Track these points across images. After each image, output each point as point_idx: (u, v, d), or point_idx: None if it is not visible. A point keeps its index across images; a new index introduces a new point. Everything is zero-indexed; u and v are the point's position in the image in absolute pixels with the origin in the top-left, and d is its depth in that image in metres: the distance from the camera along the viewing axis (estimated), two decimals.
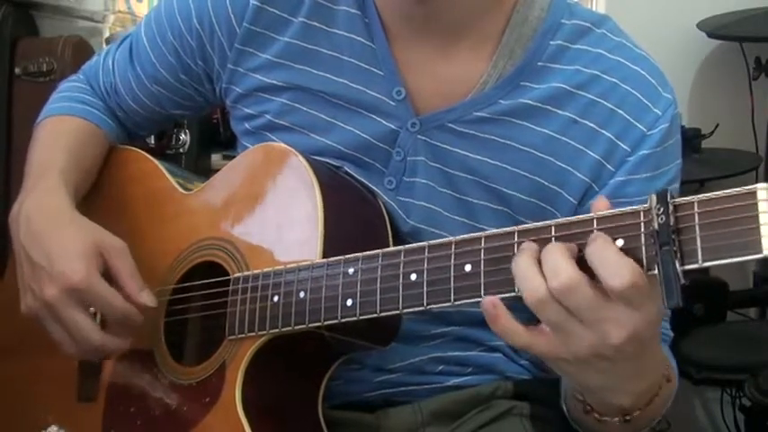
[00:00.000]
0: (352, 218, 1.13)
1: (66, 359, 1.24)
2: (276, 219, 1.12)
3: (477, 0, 1.13)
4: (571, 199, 1.14)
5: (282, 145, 1.16)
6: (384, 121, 1.17)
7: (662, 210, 0.82)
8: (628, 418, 0.98)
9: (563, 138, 1.13)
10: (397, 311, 0.98)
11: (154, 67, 1.31)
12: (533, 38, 1.13)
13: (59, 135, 1.32)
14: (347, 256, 1.03)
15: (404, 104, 1.16)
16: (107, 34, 2.27)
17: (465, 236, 0.94)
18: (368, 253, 1.01)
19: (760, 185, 0.78)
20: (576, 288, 0.84)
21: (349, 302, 1.01)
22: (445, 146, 1.15)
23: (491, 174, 1.15)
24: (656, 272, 0.82)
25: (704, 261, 0.80)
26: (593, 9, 2.15)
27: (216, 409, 1.10)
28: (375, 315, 0.99)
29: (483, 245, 0.92)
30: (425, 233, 1.15)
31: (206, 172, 1.87)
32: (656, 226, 0.82)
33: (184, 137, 2.10)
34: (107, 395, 1.24)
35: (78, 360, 1.26)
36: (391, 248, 1.01)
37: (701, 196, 0.81)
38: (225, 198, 1.20)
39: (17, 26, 2.14)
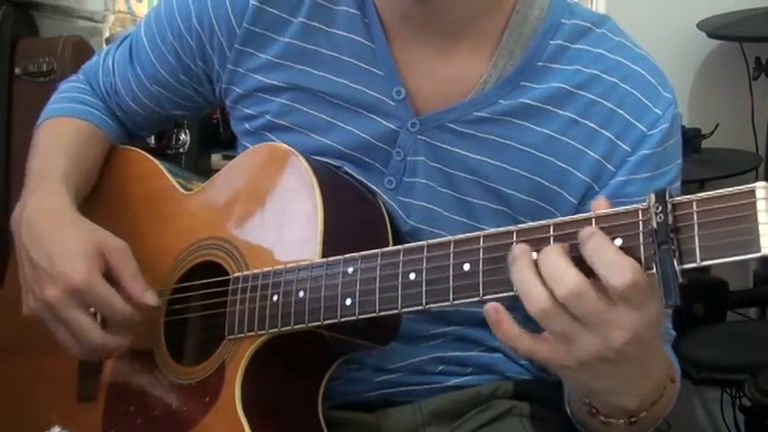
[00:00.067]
0: (352, 218, 1.13)
1: (67, 359, 1.24)
2: (276, 219, 1.12)
3: (477, 0, 1.13)
4: (571, 199, 1.14)
5: (282, 145, 1.16)
6: (384, 122, 1.17)
7: (660, 209, 0.82)
8: (633, 419, 0.97)
9: (563, 138, 1.13)
10: (396, 311, 0.98)
11: (154, 67, 1.31)
12: (533, 38, 1.13)
13: (60, 137, 1.32)
14: (346, 255, 1.03)
15: (404, 104, 1.16)
16: (107, 34, 2.27)
17: (464, 235, 0.94)
18: (367, 252, 1.01)
19: (758, 184, 0.78)
20: (583, 294, 0.84)
21: (348, 302, 1.01)
22: (445, 146, 1.15)
23: (491, 174, 1.15)
24: (654, 271, 0.82)
25: (703, 260, 0.80)
26: (593, 9, 2.15)
27: (215, 408, 1.10)
28: (374, 314, 1.00)
29: (481, 244, 0.92)
30: (425, 233, 1.15)
31: (206, 172, 1.87)
32: (654, 225, 0.82)
33: (184, 137, 2.10)
34: (107, 395, 1.24)
35: (79, 360, 1.26)
36: (390, 248, 1.01)
37: (699, 195, 0.81)
38: (225, 198, 1.20)
39: (17, 26, 2.14)
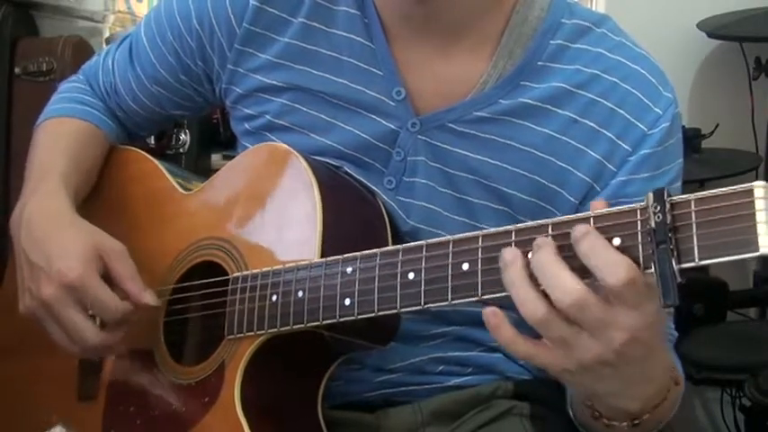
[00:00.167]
0: (352, 218, 1.13)
1: (67, 359, 1.24)
2: (275, 219, 1.12)
3: (477, 0, 1.13)
4: (572, 199, 1.14)
5: (282, 145, 1.16)
6: (384, 122, 1.17)
7: (659, 208, 0.82)
8: (636, 422, 0.97)
9: (563, 137, 1.13)
10: (395, 310, 0.98)
11: (153, 67, 1.31)
12: (533, 37, 1.13)
13: (59, 137, 1.32)
14: (345, 255, 1.03)
15: (404, 104, 1.16)
16: (107, 34, 2.27)
17: (462, 235, 0.94)
18: (366, 252, 1.01)
19: (756, 183, 0.78)
20: (585, 302, 0.84)
21: (347, 302, 1.01)
22: (445, 146, 1.15)
23: (491, 173, 1.14)
24: (653, 270, 0.82)
25: (701, 259, 0.80)
26: (593, 9, 2.15)
27: (215, 408, 1.10)
28: (373, 314, 0.99)
29: (480, 244, 0.92)
30: (425, 233, 1.15)
31: (206, 172, 1.87)
32: (652, 224, 0.82)
33: (184, 137, 2.10)
34: (107, 395, 1.24)
35: (78, 359, 1.26)
36: (389, 248, 1.01)
37: (697, 194, 0.81)
38: (224, 198, 1.20)
39: (17, 26, 2.14)
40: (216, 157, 2.17)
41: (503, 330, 0.89)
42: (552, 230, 0.88)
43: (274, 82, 1.21)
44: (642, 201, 0.84)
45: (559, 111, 1.13)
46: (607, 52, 1.14)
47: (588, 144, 1.12)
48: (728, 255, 0.79)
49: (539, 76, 1.13)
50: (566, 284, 0.84)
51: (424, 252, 0.96)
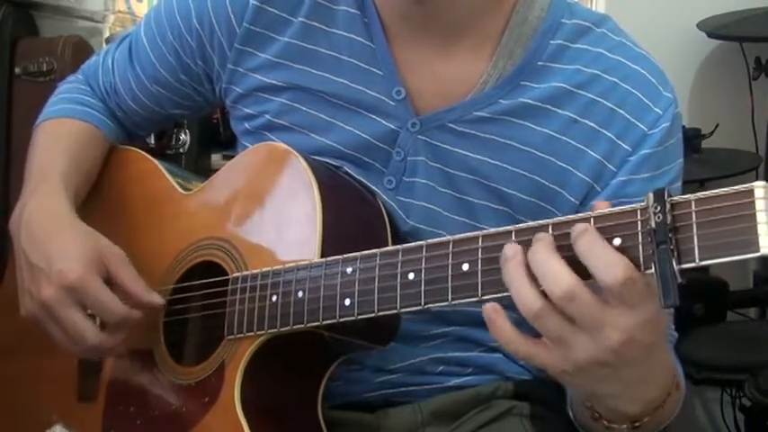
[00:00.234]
0: (352, 218, 1.13)
1: (67, 359, 1.24)
2: (275, 218, 1.12)
3: (477, 0, 1.13)
4: (572, 199, 1.14)
5: (281, 145, 1.16)
6: (384, 121, 1.17)
7: (659, 208, 0.82)
8: (637, 424, 0.97)
9: (563, 137, 1.13)
10: (395, 311, 0.98)
11: (153, 67, 1.31)
12: (533, 37, 1.13)
13: (59, 138, 1.32)
14: (345, 255, 1.02)
15: (404, 104, 1.16)
16: (107, 34, 2.27)
17: (462, 235, 0.94)
18: (366, 252, 1.01)
19: (756, 184, 0.78)
20: (576, 295, 0.84)
21: (347, 302, 1.01)
22: (445, 146, 1.15)
23: (491, 173, 1.14)
24: (653, 271, 0.82)
25: (701, 260, 0.80)
26: (593, 9, 2.15)
27: (215, 409, 1.10)
28: (373, 314, 0.99)
29: (480, 244, 0.92)
30: (425, 233, 1.15)
31: (206, 172, 1.87)
32: (653, 225, 0.82)
33: (184, 137, 2.10)
34: (107, 395, 1.24)
35: (78, 359, 1.26)
36: (389, 248, 1.00)
37: (698, 195, 0.81)
38: (224, 198, 1.20)
39: (17, 26, 2.14)
40: (216, 157, 2.17)
41: (501, 327, 0.89)
42: (552, 230, 0.88)
43: (274, 81, 1.20)
44: (642, 201, 0.84)
45: (559, 111, 1.12)
46: (607, 52, 1.14)
47: (588, 144, 1.12)
48: (729, 255, 0.78)
49: (539, 76, 1.13)
50: (558, 276, 0.84)
51: (424, 252, 0.96)
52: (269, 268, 1.09)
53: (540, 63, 1.13)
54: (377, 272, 0.99)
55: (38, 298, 1.13)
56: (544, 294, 0.86)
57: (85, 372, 1.27)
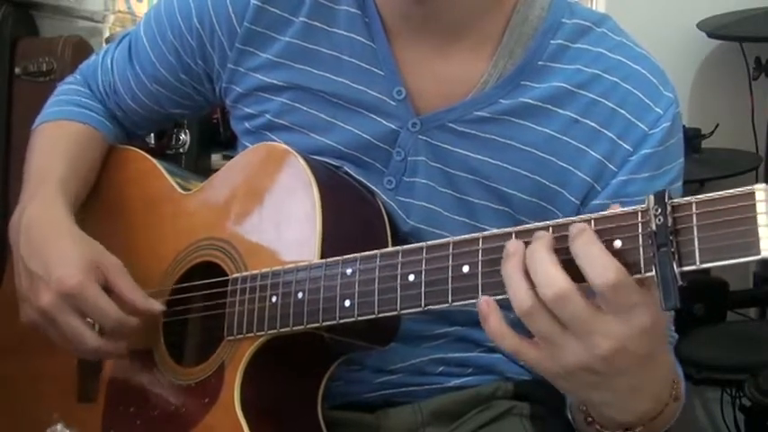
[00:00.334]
0: (351, 217, 1.13)
1: (67, 360, 1.25)
2: (274, 218, 1.12)
3: (477, 0, 1.13)
4: (573, 199, 1.13)
5: (281, 144, 1.16)
6: (384, 121, 1.16)
7: (660, 210, 0.81)
8: None
9: (564, 137, 1.12)
10: (395, 312, 0.98)
11: (153, 66, 1.30)
12: (534, 37, 1.13)
13: (58, 140, 1.32)
14: (345, 256, 1.02)
15: (404, 104, 1.15)
16: (107, 34, 2.26)
17: (463, 236, 0.94)
18: (366, 253, 1.01)
19: (758, 186, 0.78)
20: (567, 298, 0.84)
21: (347, 303, 1.01)
22: (446, 146, 1.15)
23: (492, 173, 1.14)
24: (653, 273, 0.82)
25: (702, 262, 0.80)
26: (594, 9, 2.15)
27: (215, 409, 1.10)
28: (373, 316, 0.99)
29: (480, 245, 0.92)
30: (426, 233, 1.15)
31: (206, 172, 1.86)
32: (653, 227, 0.81)
33: (184, 137, 2.10)
34: (107, 395, 1.24)
35: (78, 359, 1.26)
36: (389, 249, 1.00)
37: (699, 197, 0.81)
38: (223, 198, 1.20)
39: (17, 26, 2.13)
40: (216, 157, 2.17)
41: (491, 321, 0.89)
42: (553, 232, 0.88)
43: (275, 81, 1.20)
44: (643, 201, 0.84)
45: (560, 110, 1.12)
46: (608, 52, 1.13)
47: (589, 144, 1.12)
48: (730, 258, 0.78)
49: (539, 75, 1.13)
50: (551, 277, 0.84)
51: (424, 254, 0.96)
52: (268, 269, 1.09)
53: (540, 63, 1.13)
54: (377, 273, 0.99)
55: (37, 305, 1.14)
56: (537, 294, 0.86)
57: (85, 372, 1.27)
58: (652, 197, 0.83)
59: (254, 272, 1.10)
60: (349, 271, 1.02)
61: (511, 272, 0.87)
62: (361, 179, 1.17)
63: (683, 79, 2.65)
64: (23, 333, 1.22)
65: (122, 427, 1.20)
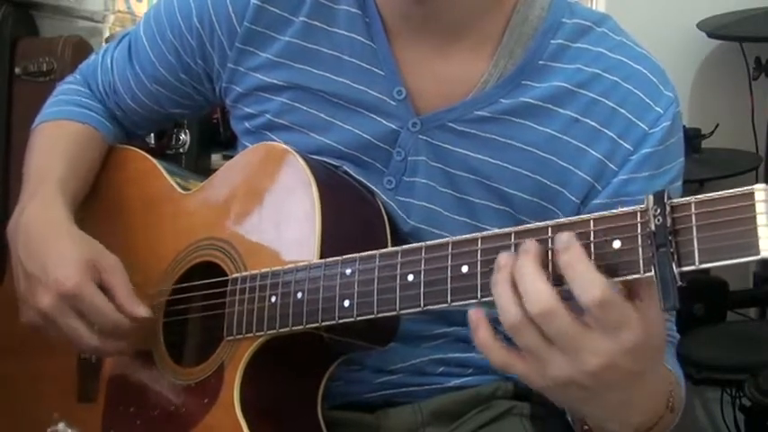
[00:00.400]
0: (351, 217, 1.13)
1: (67, 360, 1.25)
2: (274, 218, 1.12)
3: (477, 0, 1.13)
4: (573, 198, 1.13)
5: (280, 144, 1.16)
6: (384, 121, 1.16)
7: (659, 211, 0.81)
8: None
9: (564, 137, 1.12)
10: (395, 312, 0.97)
11: (153, 66, 1.30)
12: (534, 37, 1.13)
13: (57, 140, 1.32)
14: (345, 256, 1.02)
15: (404, 104, 1.15)
16: (107, 34, 2.27)
17: (462, 237, 0.94)
18: (365, 253, 1.01)
19: (757, 186, 0.78)
20: (553, 314, 0.83)
21: (346, 303, 1.01)
22: (446, 145, 1.15)
23: (492, 173, 1.14)
24: (652, 273, 0.81)
25: (701, 263, 0.80)
26: (594, 9, 2.15)
27: (215, 409, 1.10)
28: (372, 316, 0.99)
29: (480, 246, 0.92)
30: (426, 233, 1.15)
31: (206, 172, 1.86)
32: (652, 227, 0.81)
33: (184, 137, 2.10)
34: (107, 395, 1.24)
35: (78, 359, 1.26)
36: (388, 249, 1.00)
37: (698, 197, 0.81)
38: (223, 198, 1.20)
39: (17, 26, 2.14)
40: (216, 157, 2.17)
41: (480, 333, 0.89)
42: (552, 232, 0.88)
43: (275, 81, 1.20)
44: (642, 201, 0.84)
45: (560, 110, 1.12)
46: (608, 51, 1.13)
47: (589, 143, 1.12)
48: (729, 258, 0.78)
49: (539, 75, 1.13)
50: (537, 294, 0.84)
51: (423, 254, 0.96)
52: (268, 269, 1.09)
53: (540, 62, 1.13)
54: (376, 273, 0.99)
55: (36, 307, 1.14)
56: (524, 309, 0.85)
57: (85, 372, 1.27)
58: (651, 197, 0.82)
59: (254, 272, 1.10)
60: (348, 271, 1.02)
61: (499, 285, 0.87)
62: (360, 179, 1.17)
63: (683, 79, 2.65)
64: (24, 333, 1.23)
65: (122, 426, 1.20)
